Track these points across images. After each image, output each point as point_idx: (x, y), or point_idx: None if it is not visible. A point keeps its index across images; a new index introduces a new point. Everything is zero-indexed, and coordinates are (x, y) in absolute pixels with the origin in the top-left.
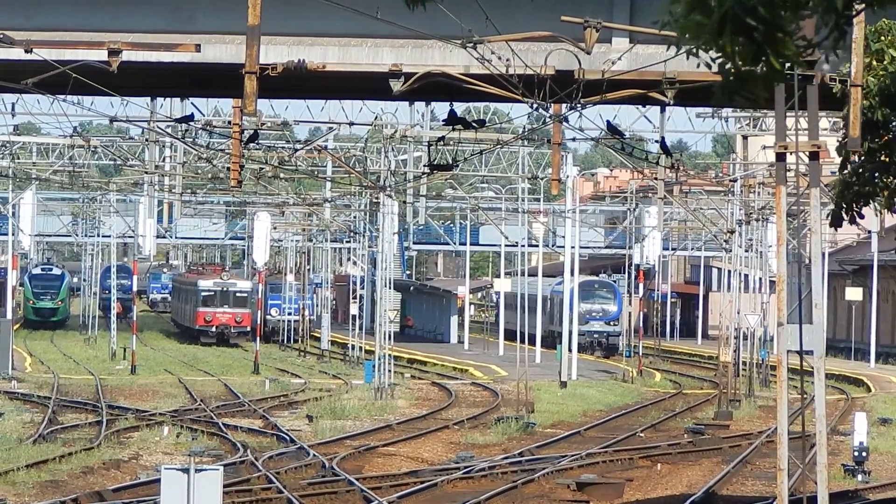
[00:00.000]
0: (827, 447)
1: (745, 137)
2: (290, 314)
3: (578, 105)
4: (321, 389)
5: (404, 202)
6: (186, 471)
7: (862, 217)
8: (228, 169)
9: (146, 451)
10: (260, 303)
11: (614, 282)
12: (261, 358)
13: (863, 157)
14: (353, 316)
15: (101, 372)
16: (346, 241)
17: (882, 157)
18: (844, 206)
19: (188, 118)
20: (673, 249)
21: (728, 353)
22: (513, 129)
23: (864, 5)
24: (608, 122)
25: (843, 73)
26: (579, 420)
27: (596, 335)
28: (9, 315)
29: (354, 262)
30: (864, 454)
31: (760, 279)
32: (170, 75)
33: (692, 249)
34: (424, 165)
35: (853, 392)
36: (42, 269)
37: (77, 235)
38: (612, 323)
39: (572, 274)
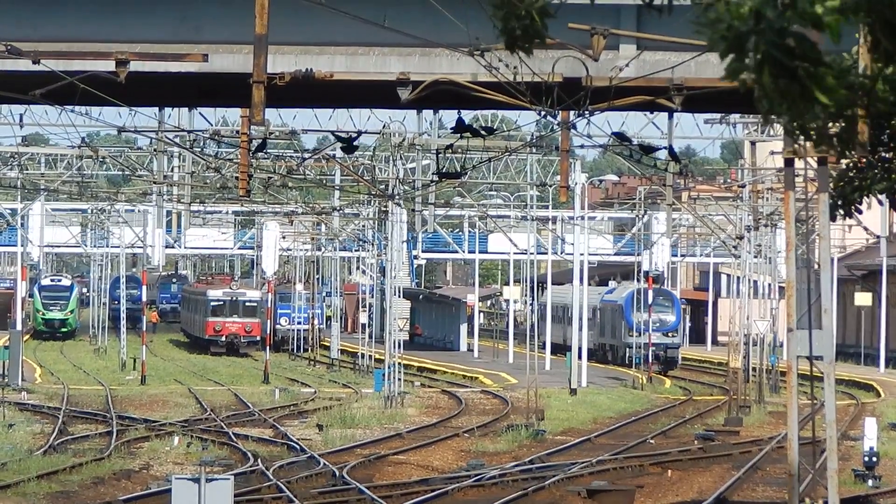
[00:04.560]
0: (837, 452)
1: (753, 143)
2: (299, 323)
3: (586, 112)
4: (331, 398)
5: (413, 210)
6: (197, 480)
7: (860, 211)
8: (237, 178)
9: (156, 461)
10: (269, 312)
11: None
12: (271, 367)
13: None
14: (363, 325)
15: (110, 382)
16: (355, 250)
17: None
18: (842, 199)
19: (354, 138)
20: (682, 256)
21: (738, 359)
22: (521, 136)
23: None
24: (616, 132)
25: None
26: (589, 427)
27: (653, 348)
28: (18, 326)
29: (363, 271)
30: (874, 459)
31: (769, 285)
32: (178, 85)
33: (701, 256)
34: (433, 173)
35: (863, 397)
36: (51, 280)
37: (86, 246)
38: (670, 334)
39: (581, 282)
